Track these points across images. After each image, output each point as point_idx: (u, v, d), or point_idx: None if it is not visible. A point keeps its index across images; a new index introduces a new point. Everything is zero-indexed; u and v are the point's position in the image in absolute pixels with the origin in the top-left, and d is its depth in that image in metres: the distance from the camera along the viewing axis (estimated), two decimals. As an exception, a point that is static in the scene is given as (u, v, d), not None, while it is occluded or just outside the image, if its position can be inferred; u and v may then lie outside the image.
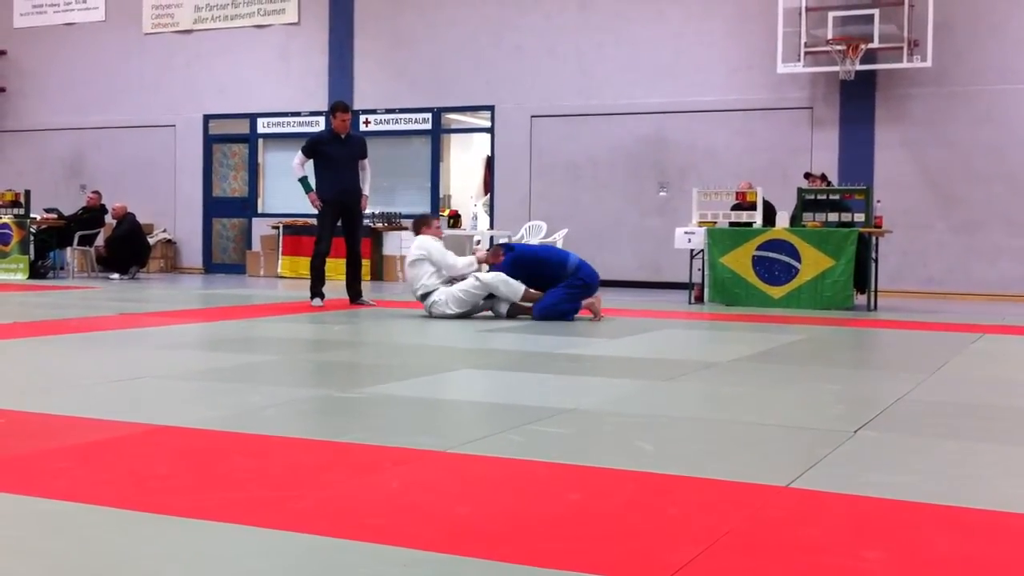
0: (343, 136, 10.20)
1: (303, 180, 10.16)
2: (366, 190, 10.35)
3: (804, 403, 4.67)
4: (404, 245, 14.40)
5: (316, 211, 10.24)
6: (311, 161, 10.20)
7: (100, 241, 15.54)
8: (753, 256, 10.78)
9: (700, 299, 11.13)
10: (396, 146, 16.37)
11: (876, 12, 13.07)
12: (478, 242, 14.59)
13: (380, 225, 15.53)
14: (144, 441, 3.64)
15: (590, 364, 5.95)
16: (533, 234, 14.46)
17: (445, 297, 8.69)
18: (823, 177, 12.10)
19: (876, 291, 10.81)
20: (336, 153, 10.09)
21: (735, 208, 11.38)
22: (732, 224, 11.12)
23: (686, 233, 11.18)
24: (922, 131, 13.46)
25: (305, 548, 2.43)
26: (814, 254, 10.53)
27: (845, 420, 4.16)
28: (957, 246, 13.31)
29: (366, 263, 14.02)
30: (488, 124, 15.86)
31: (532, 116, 15.27)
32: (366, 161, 10.35)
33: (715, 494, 2.97)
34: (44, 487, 2.95)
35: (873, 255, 10.74)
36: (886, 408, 4.44)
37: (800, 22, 13.37)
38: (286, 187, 15.65)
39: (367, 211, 10.96)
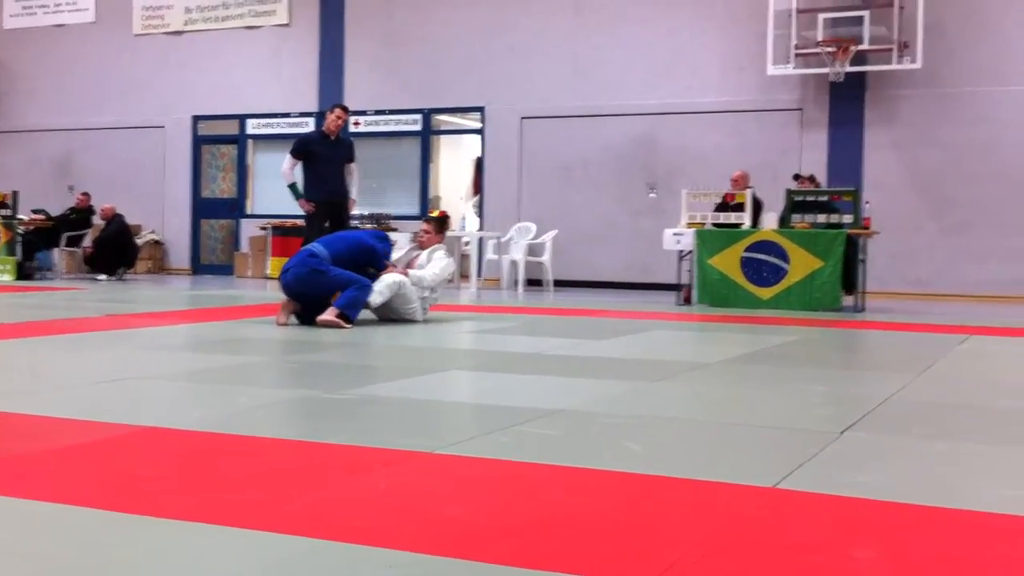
0: (332, 137, 10.19)
1: (292, 187, 10.17)
2: (354, 194, 10.34)
3: (792, 404, 4.68)
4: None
5: (305, 213, 10.24)
6: (299, 164, 10.19)
7: (88, 242, 15.51)
8: (742, 257, 10.80)
9: (689, 300, 11.15)
10: (386, 147, 16.36)
11: (866, 14, 13.11)
12: (467, 243, 14.58)
13: (370, 226, 15.50)
14: (132, 442, 3.63)
15: (578, 365, 5.94)
16: (522, 235, 14.46)
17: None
18: (811, 178, 12.12)
19: (864, 292, 10.84)
20: (324, 153, 10.09)
21: (719, 209, 11.40)
22: (719, 225, 11.13)
23: (675, 234, 11.20)
24: (912, 132, 13.49)
25: (294, 550, 2.43)
26: (802, 255, 10.55)
27: (832, 421, 4.17)
28: (946, 247, 13.34)
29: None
30: (479, 126, 15.85)
31: (523, 117, 15.28)
32: (354, 165, 10.34)
33: (703, 495, 2.97)
34: (31, 489, 2.94)
35: (861, 256, 10.76)
36: (873, 409, 4.45)
37: (790, 24, 13.40)
38: (275, 188, 15.61)
39: (354, 212, 10.96)
